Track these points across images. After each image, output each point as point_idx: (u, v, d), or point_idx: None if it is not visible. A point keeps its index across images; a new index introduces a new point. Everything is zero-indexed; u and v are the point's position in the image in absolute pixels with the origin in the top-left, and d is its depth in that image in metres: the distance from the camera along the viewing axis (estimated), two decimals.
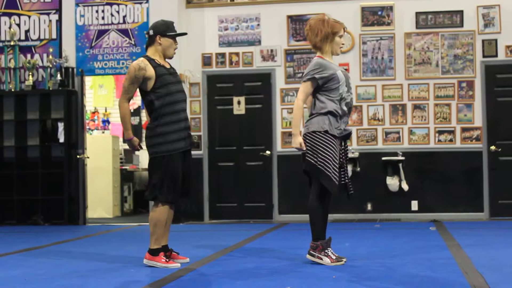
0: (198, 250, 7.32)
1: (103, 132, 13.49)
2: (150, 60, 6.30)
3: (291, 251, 7.18)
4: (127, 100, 6.29)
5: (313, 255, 6.14)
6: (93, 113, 13.22)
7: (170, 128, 6.25)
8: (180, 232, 9.60)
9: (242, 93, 11.19)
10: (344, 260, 6.15)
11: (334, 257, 6.10)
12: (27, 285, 5.48)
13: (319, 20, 6.26)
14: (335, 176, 6.01)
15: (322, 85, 6.16)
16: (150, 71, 6.23)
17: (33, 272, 6.10)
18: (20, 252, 7.57)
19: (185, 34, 6.68)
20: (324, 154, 6.03)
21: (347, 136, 6.26)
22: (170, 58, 6.45)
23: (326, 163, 6.02)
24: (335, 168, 6.04)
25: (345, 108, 6.20)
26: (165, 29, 6.37)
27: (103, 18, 11.11)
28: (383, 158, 10.66)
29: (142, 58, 6.34)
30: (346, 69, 6.46)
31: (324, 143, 6.05)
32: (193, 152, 11.01)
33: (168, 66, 6.42)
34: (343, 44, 6.33)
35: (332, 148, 6.05)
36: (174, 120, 6.26)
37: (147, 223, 10.95)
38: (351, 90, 6.31)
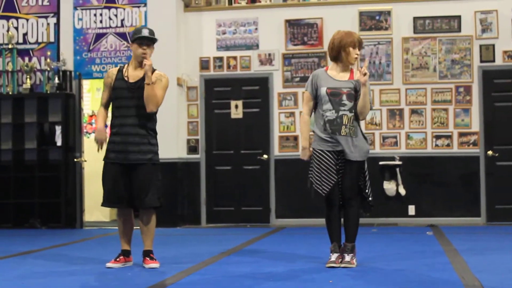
0: (195, 254, 7.32)
1: None
2: (119, 71, 6.53)
3: (288, 255, 7.18)
4: (101, 105, 6.62)
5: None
6: (91, 116, 13.19)
7: (110, 139, 6.54)
8: (177, 236, 9.60)
9: (240, 97, 11.19)
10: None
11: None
12: None
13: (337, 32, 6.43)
14: (317, 185, 6.24)
15: (316, 98, 6.35)
16: (111, 81, 6.51)
17: (30, 276, 6.10)
18: (17, 255, 7.56)
19: (148, 38, 6.45)
20: (312, 168, 6.31)
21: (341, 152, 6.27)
22: (141, 61, 6.45)
23: (310, 175, 6.30)
24: (319, 178, 6.22)
25: (326, 126, 6.24)
26: (133, 35, 6.54)
27: (101, 21, 11.10)
28: (380, 163, 10.66)
29: (117, 67, 6.65)
30: (348, 91, 6.27)
31: (314, 158, 6.30)
32: (190, 156, 11.14)
33: (134, 79, 6.44)
34: (357, 54, 6.26)
35: (318, 161, 6.25)
36: (113, 132, 6.52)
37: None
38: (343, 107, 6.20)
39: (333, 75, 6.30)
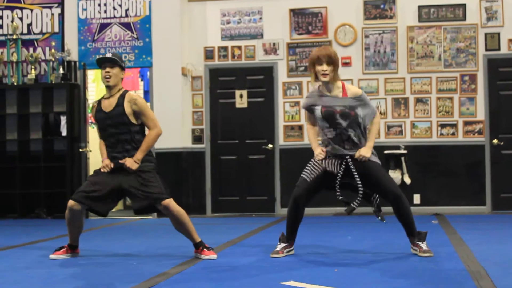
0: None
1: None
2: (98, 104, 6.56)
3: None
4: (100, 138, 6.62)
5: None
6: None
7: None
8: None
9: (245, 87, 11.19)
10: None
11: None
12: (30, 278, 5.50)
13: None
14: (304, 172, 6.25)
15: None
16: (94, 114, 6.62)
17: (36, 266, 6.12)
18: (23, 245, 7.59)
19: (108, 59, 6.44)
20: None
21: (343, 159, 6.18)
22: (108, 86, 6.45)
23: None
24: (308, 168, 6.22)
25: (330, 142, 6.16)
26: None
27: (105, 11, 11.10)
28: (385, 152, 10.64)
29: (97, 100, 6.68)
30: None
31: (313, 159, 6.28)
32: (195, 146, 11.15)
33: (109, 108, 6.43)
34: (323, 71, 6.05)
35: (311, 164, 6.23)
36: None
37: (150, 217, 10.99)
38: (340, 125, 6.08)
39: (326, 92, 6.16)
